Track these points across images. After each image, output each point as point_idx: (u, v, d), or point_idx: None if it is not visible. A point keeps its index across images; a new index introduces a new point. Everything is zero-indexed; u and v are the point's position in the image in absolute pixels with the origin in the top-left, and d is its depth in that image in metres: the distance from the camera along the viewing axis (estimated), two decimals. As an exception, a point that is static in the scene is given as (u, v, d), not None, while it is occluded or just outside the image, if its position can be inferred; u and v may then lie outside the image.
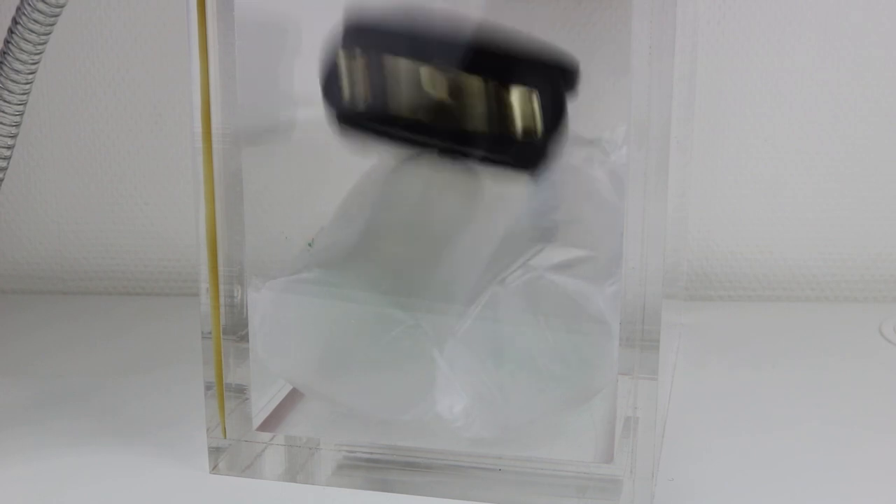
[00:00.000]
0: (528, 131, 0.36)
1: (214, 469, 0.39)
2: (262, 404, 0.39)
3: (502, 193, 0.39)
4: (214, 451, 0.38)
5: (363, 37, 0.38)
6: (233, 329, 0.38)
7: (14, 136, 0.39)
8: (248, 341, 0.38)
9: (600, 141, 0.38)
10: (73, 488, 0.37)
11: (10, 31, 0.37)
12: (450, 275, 0.39)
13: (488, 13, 0.37)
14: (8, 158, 0.39)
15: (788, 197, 0.61)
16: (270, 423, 0.39)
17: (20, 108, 0.39)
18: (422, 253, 0.40)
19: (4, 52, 0.37)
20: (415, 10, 0.37)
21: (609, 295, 0.35)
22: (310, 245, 0.40)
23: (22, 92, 0.38)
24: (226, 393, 0.38)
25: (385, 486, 0.37)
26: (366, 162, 0.43)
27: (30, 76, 0.38)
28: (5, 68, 0.38)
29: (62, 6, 0.37)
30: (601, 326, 0.35)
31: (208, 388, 0.38)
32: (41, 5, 0.36)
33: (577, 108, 0.37)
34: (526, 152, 0.37)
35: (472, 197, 0.41)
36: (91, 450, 0.40)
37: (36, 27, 0.37)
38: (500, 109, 0.36)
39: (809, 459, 0.39)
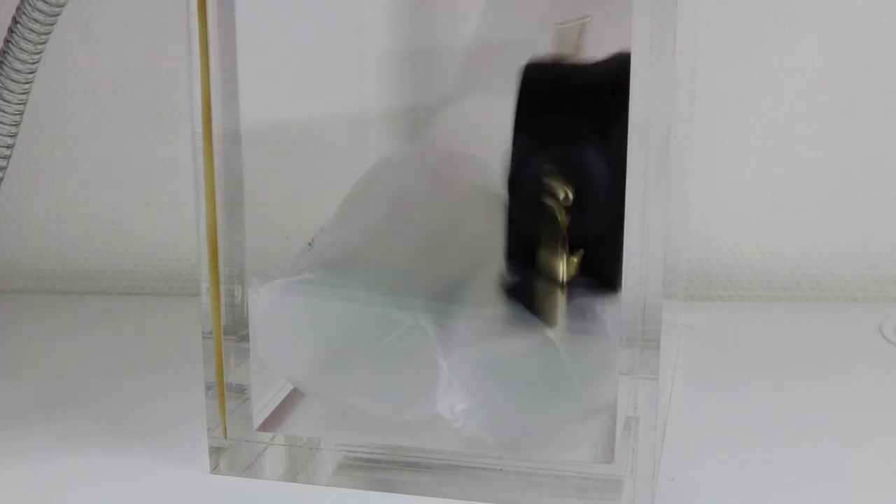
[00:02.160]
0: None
1: (215, 469, 0.39)
2: (262, 404, 0.39)
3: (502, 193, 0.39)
4: (215, 451, 0.38)
5: None
6: (233, 329, 0.38)
7: (14, 136, 0.39)
8: (248, 341, 0.38)
9: None
10: (73, 488, 0.37)
11: (10, 31, 0.37)
12: (450, 275, 0.39)
13: (488, 13, 0.37)
14: (8, 158, 0.39)
15: (788, 197, 0.61)
16: (271, 423, 0.39)
17: (20, 107, 0.39)
18: (423, 252, 0.40)
19: (4, 52, 0.37)
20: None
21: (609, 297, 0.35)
22: (310, 245, 0.40)
23: (22, 92, 0.38)
24: (226, 393, 0.38)
25: (385, 486, 0.37)
26: (366, 162, 0.43)
27: (30, 76, 0.38)
28: (5, 68, 0.38)
29: (62, 6, 0.37)
30: (602, 331, 0.35)
31: (209, 388, 0.38)
32: (41, 5, 0.36)
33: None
34: None
35: (472, 195, 0.41)
36: (91, 450, 0.40)
37: (36, 27, 0.37)
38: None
39: (809, 459, 0.39)
